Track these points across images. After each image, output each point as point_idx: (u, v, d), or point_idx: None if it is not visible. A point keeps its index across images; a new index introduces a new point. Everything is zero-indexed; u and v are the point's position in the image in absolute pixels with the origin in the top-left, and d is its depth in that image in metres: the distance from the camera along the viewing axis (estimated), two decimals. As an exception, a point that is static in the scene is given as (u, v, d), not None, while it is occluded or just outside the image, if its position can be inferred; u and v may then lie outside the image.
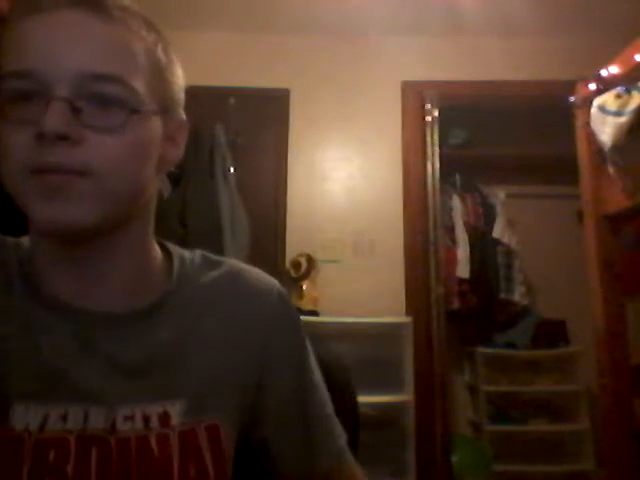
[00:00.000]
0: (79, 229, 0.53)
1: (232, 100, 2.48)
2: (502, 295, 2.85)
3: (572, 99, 1.98)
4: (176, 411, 0.59)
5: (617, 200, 1.79)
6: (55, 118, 0.49)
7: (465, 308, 2.85)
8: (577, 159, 2.02)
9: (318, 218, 2.56)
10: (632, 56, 1.72)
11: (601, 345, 1.85)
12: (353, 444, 0.73)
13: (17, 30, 0.53)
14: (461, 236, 2.89)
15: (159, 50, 0.58)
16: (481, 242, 2.91)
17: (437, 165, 2.56)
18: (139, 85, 0.54)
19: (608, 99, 1.77)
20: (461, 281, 2.83)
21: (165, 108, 0.59)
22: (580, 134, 1.98)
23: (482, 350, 2.90)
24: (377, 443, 2.17)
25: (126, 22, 0.55)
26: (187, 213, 2.19)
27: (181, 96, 0.63)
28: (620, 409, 1.80)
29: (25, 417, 0.53)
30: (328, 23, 2.60)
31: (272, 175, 2.58)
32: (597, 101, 1.81)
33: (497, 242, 2.91)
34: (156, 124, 0.57)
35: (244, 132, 2.48)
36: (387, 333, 2.37)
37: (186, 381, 0.61)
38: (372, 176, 2.62)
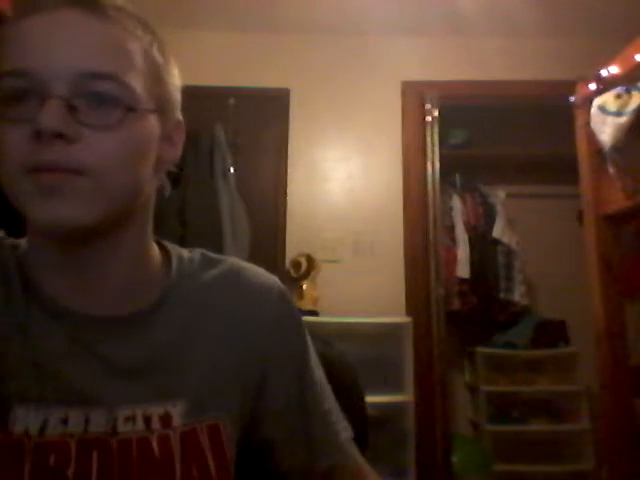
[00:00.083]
0: (76, 228, 0.53)
1: (232, 100, 2.48)
2: (502, 295, 2.85)
3: (572, 99, 1.98)
4: (177, 412, 0.59)
5: (617, 200, 1.79)
6: (51, 116, 0.49)
7: (465, 308, 2.85)
8: (577, 159, 2.02)
9: (318, 218, 2.56)
10: (632, 56, 1.72)
11: (601, 345, 1.85)
12: (361, 443, 0.73)
13: (15, 29, 0.53)
14: (461, 236, 2.89)
15: (155, 50, 0.58)
16: (481, 242, 2.91)
17: (437, 165, 2.56)
18: (135, 84, 0.54)
19: (608, 99, 1.76)
20: (461, 281, 2.83)
21: (162, 108, 0.58)
22: (580, 134, 1.98)
23: (482, 350, 2.90)
24: (377, 443, 2.17)
25: (122, 22, 0.55)
26: (187, 213, 2.20)
27: (178, 96, 0.63)
28: (620, 409, 1.80)
29: (25, 421, 0.53)
30: (328, 23, 2.60)
31: (272, 175, 2.58)
32: (597, 101, 1.81)
33: (497, 242, 2.91)
34: (153, 123, 0.57)
35: (244, 132, 2.49)
36: (387, 333, 2.37)
37: (187, 381, 0.61)
38: (372, 176, 2.62)
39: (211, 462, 0.59)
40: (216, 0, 2.48)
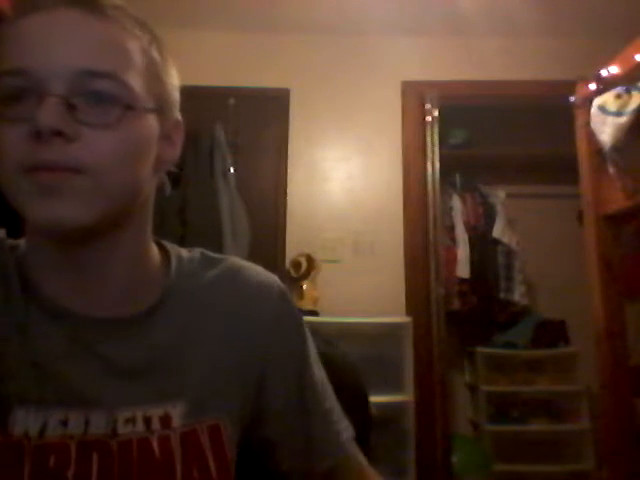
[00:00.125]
0: (75, 227, 0.52)
1: (232, 100, 2.48)
2: (502, 295, 2.85)
3: (572, 99, 1.98)
4: (177, 412, 0.59)
5: (617, 200, 1.79)
6: (50, 114, 0.49)
7: (465, 308, 2.85)
8: (577, 159, 2.02)
9: (318, 218, 2.56)
10: (632, 56, 1.72)
11: (601, 345, 1.84)
12: (365, 443, 0.73)
13: (14, 29, 0.53)
14: (461, 236, 2.89)
15: (154, 49, 0.58)
16: (481, 242, 2.91)
17: (437, 165, 2.56)
18: (134, 82, 0.54)
19: (608, 99, 1.77)
20: (461, 281, 2.83)
21: (161, 107, 0.58)
22: (580, 134, 1.98)
23: (482, 350, 2.90)
24: (377, 443, 2.16)
25: (120, 21, 0.55)
26: (187, 213, 2.20)
27: (176, 96, 0.63)
28: (620, 409, 1.80)
29: (25, 422, 0.53)
30: (328, 23, 2.60)
31: (272, 175, 2.58)
32: (597, 101, 1.81)
33: (497, 242, 2.91)
34: (152, 122, 0.57)
35: (244, 132, 2.49)
36: (387, 333, 2.37)
37: (186, 382, 0.61)
38: (372, 176, 2.62)
39: (212, 463, 0.59)
40: (216, 0, 2.48)
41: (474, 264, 2.85)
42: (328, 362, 0.73)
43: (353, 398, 0.84)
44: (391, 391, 2.25)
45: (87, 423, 0.55)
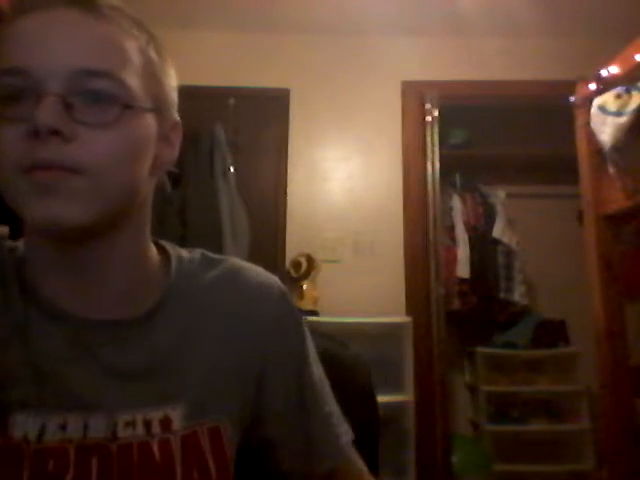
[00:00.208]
0: (72, 227, 0.52)
1: (232, 100, 2.48)
2: (502, 295, 2.85)
3: (572, 99, 1.98)
4: (177, 415, 0.59)
5: (617, 200, 1.79)
6: (47, 113, 0.49)
7: (465, 308, 2.85)
8: (577, 159, 2.02)
9: (318, 218, 2.56)
10: (632, 56, 1.72)
11: (601, 345, 1.85)
12: (373, 444, 0.73)
13: (11, 28, 0.53)
14: (461, 236, 2.89)
15: (151, 49, 0.58)
16: (481, 242, 2.91)
17: (437, 165, 2.56)
18: (132, 82, 0.54)
19: (608, 99, 1.77)
20: (461, 281, 2.83)
21: (159, 107, 0.58)
22: (580, 134, 1.98)
23: (482, 350, 2.90)
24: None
25: (118, 21, 0.55)
26: (187, 213, 2.20)
27: (174, 96, 0.62)
28: (620, 409, 1.80)
29: (24, 426, 0.53)
30: (328, 23, 2.60)
31: (272, 175, 2.58)
32: (597, 101, 1.81)
33: (497, 242, 2.91)
34: (150, 122, 0.57)
35: (244, 132, 2.49)
36: (387, 333, 2.37)
37: (186, 384, 0.60)
38: (372, 176, 2.62)
39: (212, 465, 0.59)
40: (215, 0, 2.48)
41: (474, 264, 2.85)
42: (340, 363, 0.72)
43: (364, 398, 0.84)
44: (391, 391, 2.25)
45: (86, 427, 0.55)
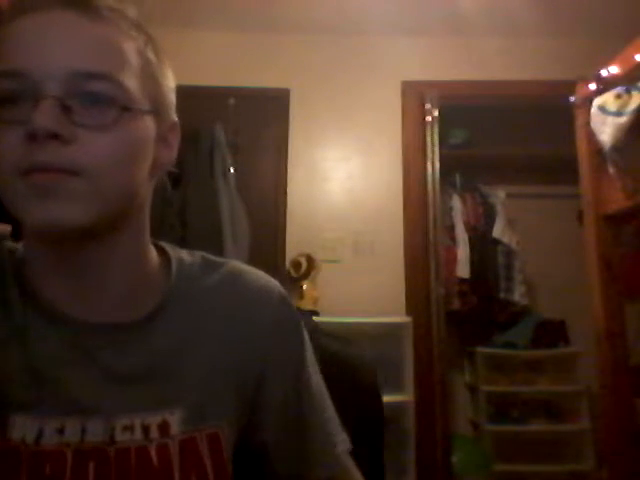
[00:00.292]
0: (71, 229, 0.52)
1: (232, 100, 2.48)
2: (502, 295, 2.85)
3: (572, 99, 1.98)
4: (175, 420, 0.58)
5: (617, 200, 1.79)
6: (45, 116, 0.49)
7: (465, 308, 2.85)
8: (577, 159, 2.02)
9: (318, 218, 2.56)
10: (632, 56, 1.72)
11: (601, 345, 1.84)
12: (378, 443, 0.72)
13: (9, 30, 0.52)
14: (461, 236, 2.90)
15: (149, 50, 0.58)
16: (481, 242, 2.91)
17: (437, 165, 2.56)
18: (130, 83, 0.53)
19: (608, 99, 1.76)
20: (461, 281, 2.83)
21: (157, 108, 0.58)
22: (580, 134, 1.98)
23: (482, 350, 2.90)
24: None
25: (116, 22, 0.55)
26: (187, 213, 2.20)
27: (172, 97, 0.62)
28: (620, 409, 1.80)
29: (22, 428, 0.52)
30: (328, 23, 2.60)
31: (272, 175, 2.58)
32: (597, 101, 1.81)
33: (497, 242, 2.91)
34: (148, 124, 0.57)
35: (244, 132, 2.48)
36: (387, 333, 2.37)
37: (185, 387, 0.60)
38: (372, 176, 2.62)
39: (210, 470, 0.59)
40: (216, 0, 2.47)
41: (474, 264, 2.85)
42: (343, 361, 0.72)
43: (370, 398, 0.84)
44: (391, 391, 2.24)
45: (84, 431, 0.54)
